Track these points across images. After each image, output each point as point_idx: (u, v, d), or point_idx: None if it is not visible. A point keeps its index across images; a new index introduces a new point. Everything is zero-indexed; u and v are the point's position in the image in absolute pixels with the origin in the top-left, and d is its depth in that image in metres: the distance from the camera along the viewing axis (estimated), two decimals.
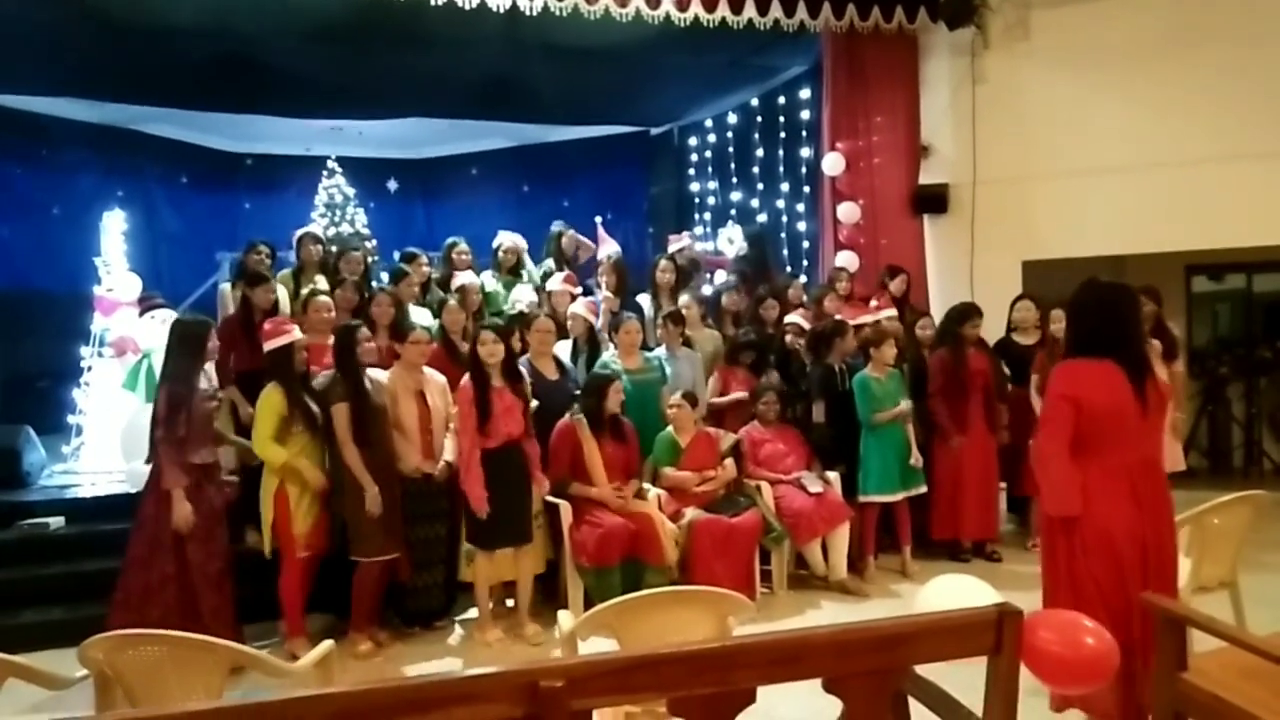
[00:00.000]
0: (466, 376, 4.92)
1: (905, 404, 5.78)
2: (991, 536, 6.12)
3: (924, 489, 5.91)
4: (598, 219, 8.09)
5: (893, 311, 6.51)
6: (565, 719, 1.63)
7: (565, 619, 3.15)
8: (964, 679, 1.97)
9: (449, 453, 5.05)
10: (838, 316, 6.27)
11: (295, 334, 4.86)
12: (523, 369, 5.31)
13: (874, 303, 6.63)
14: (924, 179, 7.95)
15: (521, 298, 6.48)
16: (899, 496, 5.80)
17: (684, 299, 6.48)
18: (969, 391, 5.97)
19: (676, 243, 7.55)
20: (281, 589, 4.75)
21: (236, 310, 5.80)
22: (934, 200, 7.87)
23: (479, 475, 4.77)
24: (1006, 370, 6.25)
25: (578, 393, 5.49)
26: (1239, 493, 3.96)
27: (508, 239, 7.10)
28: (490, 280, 6.92)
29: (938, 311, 7.28)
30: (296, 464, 4.71)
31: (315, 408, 4.83)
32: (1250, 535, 4.03)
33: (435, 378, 5.20)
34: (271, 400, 4.72)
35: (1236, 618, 3.95)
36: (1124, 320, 3.27)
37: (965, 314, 6.13)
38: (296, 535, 4.72)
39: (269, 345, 4.82)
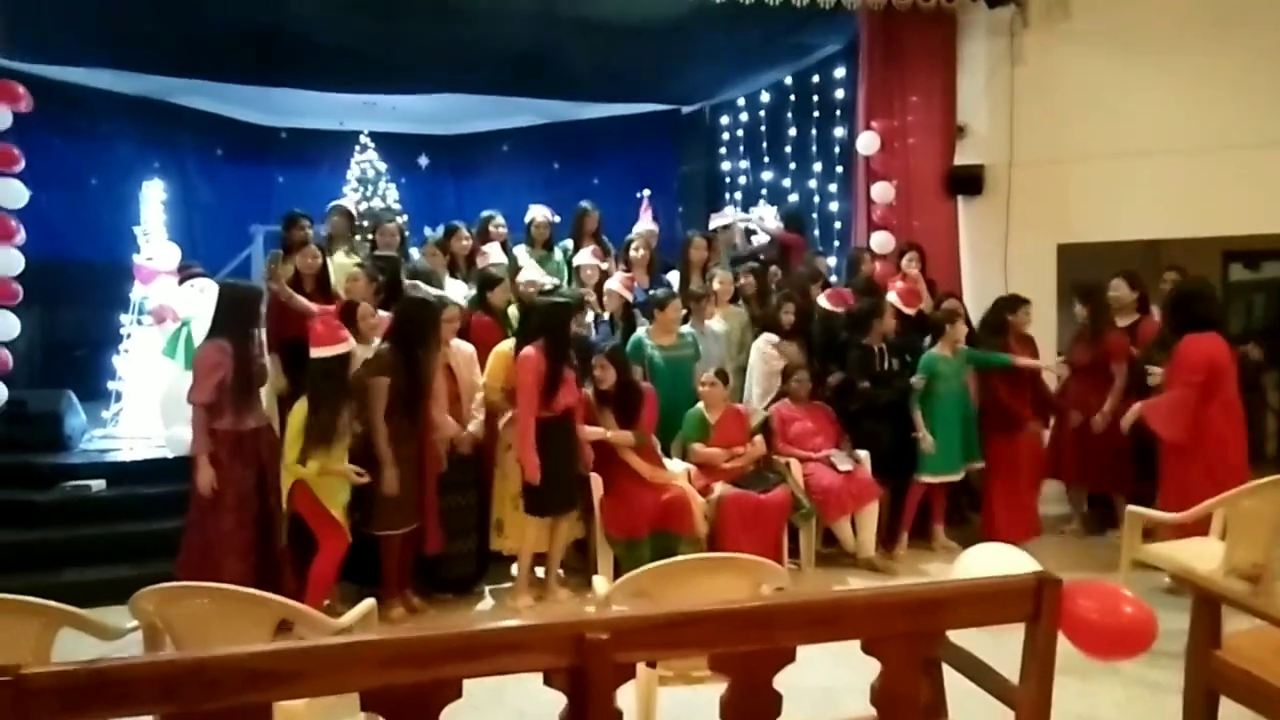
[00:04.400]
0: (531, 347, 4.93)
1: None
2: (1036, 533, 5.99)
3: (982, 463, 5.93)
4: (646, 192, 7.99)
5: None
6: (609, 671, 1.67)
7: (600, 584, 3.19)
8: (997, 652, 1.99)
9: (474, 424, 5.11)
10: (887, 295, 6.20)
11: (349, 345, 4.69)
12: None
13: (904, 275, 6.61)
14: (959, 160, 7.85)
15: (533, 275, 6.37)
16: (960, 475, 5.85)
17: (721, 274, 6.46)
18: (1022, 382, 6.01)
19: (720, 219, 7.53)
20: (321, 569, 4.54)
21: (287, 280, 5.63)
22: (969, 181, 7.78)
23: (533, 444, 4.85)
24: None
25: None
26: (1273, 476, 3.94)
27: (539, 213, 7.09)
28: (524, 255, 6.93)
29: (970, 293, 7.25)
30: (331, 471, 4.54)
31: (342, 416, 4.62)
32: None
33: (462, 349, 5.25)
34: (296, 417, 4.60)
35: (1271, 599, 3.93)
36: None
37: (1015, 303, 6.13)
38: (337, 516, 4.57)
39: (318, 351, 4.58)
